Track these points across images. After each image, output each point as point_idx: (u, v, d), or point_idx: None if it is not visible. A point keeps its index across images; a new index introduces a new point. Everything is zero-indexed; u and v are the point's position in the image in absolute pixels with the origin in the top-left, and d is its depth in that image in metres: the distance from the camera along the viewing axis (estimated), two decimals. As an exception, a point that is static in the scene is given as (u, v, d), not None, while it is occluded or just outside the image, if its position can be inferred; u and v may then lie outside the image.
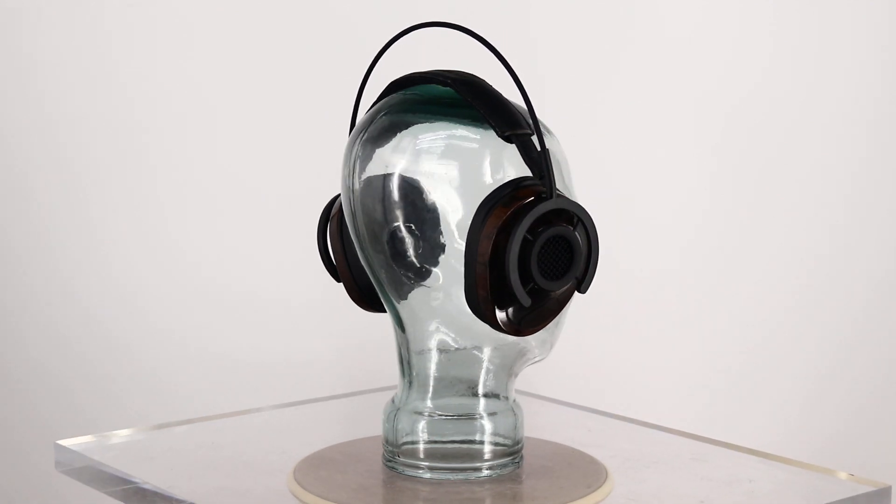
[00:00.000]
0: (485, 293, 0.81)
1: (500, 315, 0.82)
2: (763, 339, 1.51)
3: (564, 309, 0.91)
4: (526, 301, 0.81)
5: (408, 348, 0.92)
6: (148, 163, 1.45)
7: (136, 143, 1.44)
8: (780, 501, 0.93)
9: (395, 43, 0.92)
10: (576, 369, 1.31)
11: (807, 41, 1.49)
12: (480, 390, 0.92)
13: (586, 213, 0.83)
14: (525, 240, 0.81)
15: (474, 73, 0.89)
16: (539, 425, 1.10)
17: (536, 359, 0.93)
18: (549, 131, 0.91)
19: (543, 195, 0.82)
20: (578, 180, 0.95)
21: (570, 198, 0.85)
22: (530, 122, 0.85)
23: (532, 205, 0.81)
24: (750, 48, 1.49)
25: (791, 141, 1.50)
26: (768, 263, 1.51)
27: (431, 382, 0.92)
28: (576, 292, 0.86)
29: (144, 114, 1.44)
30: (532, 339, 0.91)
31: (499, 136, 0.84)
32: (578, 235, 0.83)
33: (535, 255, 0.81)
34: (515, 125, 0.84)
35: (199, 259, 1.47)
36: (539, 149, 0.83)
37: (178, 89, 1.44)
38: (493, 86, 0.87)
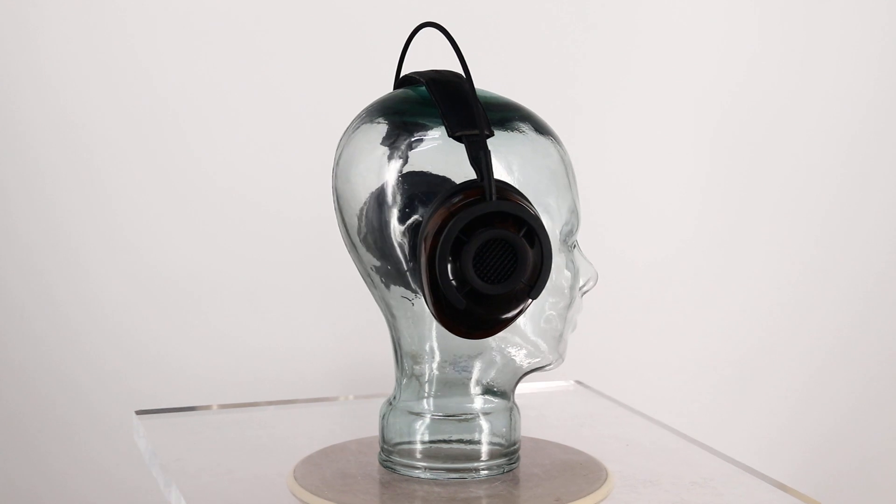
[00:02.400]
0: (429, 294, 0.81)
1: (445, 316, 0.82)
2: (760, 338, 1.52)
3: (566, 315, 0.91)
4: (460, 303, 0.80)
5: (405, 349, 0.92)
6: (157, 161, 1.46)
7: (147, 139, 1.45)
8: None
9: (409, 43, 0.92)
10: (569, 368, 1.31)
11: (795, 32, 1.48)
12: (478, 391, 0.92)
13: (534, 216, 0.81)
14: (459, 241, 0.80)
15: (456, 72, 0.88)
16: (543, 424, 1.10)
17: (541, 364, 0.92)
18: (547, 134, 0.90)
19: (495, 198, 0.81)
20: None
21: (523, 201, 0.84)
22: (525, 124, 0.85)
23: (469, 206, 0.80)
24: (738, 43, 1.49)
25: (781, 147, 1.50)
26: (761, 267, 1.51)
27: (428, 383, 0.92)
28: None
29: (146, 108, 1.45)
30: (540, 343, 0.91)
31: (449, 136, 0.84)
32: (525, 240, 0.81)
33: (470, 257, 0.80)
34: (467, 125, 0.83)
35: (201, 256, 1.47)
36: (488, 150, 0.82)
37: (179, 89, 1.45)
38: (471, 85, 0.86)
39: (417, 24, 0.90)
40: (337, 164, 0.91)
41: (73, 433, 1.46)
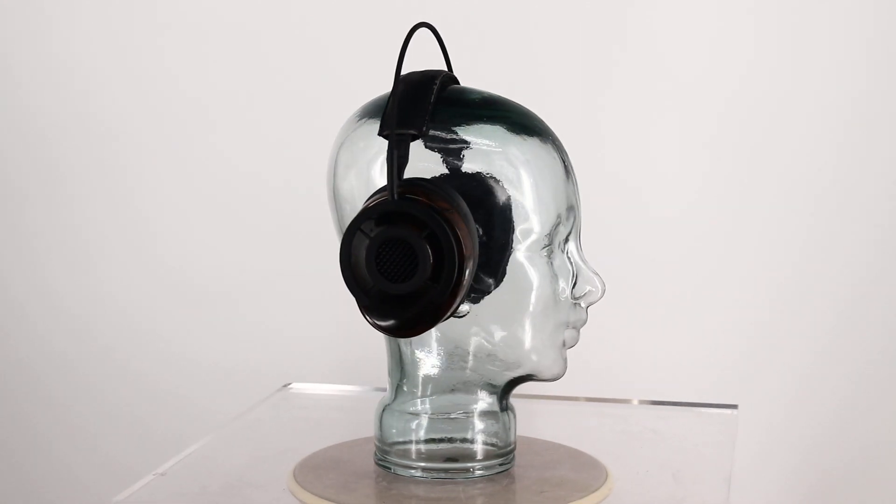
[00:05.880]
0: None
1: (363, 313, 0.83)
2: (758, 336, 1.51)
3: (560, 325, 0.90)
4: (363, 300, 0.82)
5: (399, 349, 0.93)
6: (171, 157, 1.47)
7: (162, 134, 1.46)
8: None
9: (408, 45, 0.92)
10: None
11: (791, 29, 1.48)
12: (473, 391, 0.92)
13: (437, 219, 0.81)
14: (361, 239, 0.81)
15: (432, 72, 0.89)
16: (540, 423, 1.10)
17: (529, 372, 0.92)
18: (525, 133, 0.89)
19: (397, 197, 0.82)
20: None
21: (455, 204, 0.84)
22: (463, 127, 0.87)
23: (375, 205, 0.82)
24: (734, 42, 1.49)
25: (782, 133, 1.50)
26: (759, 265, 1.51)
27: (422, 382, 0.92)
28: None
29: (132, 115, 1.46)
30: (532, 351, 0.91)
31: (378, 135, 0.86)
32: (429, 240, 0.81)
33: (372, 255, 0.81)
34: (387, 126, 0.84)
35: (195, 265, 1.48)
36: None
37: (170, 91, 1.46)
38: (433, 88, 0.87)
39: (421, 24, 0.90)
40: (333, 162, 0.92)
41: (81, 428, 1.48)
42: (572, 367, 0.95)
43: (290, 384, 1.24)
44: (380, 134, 0.86)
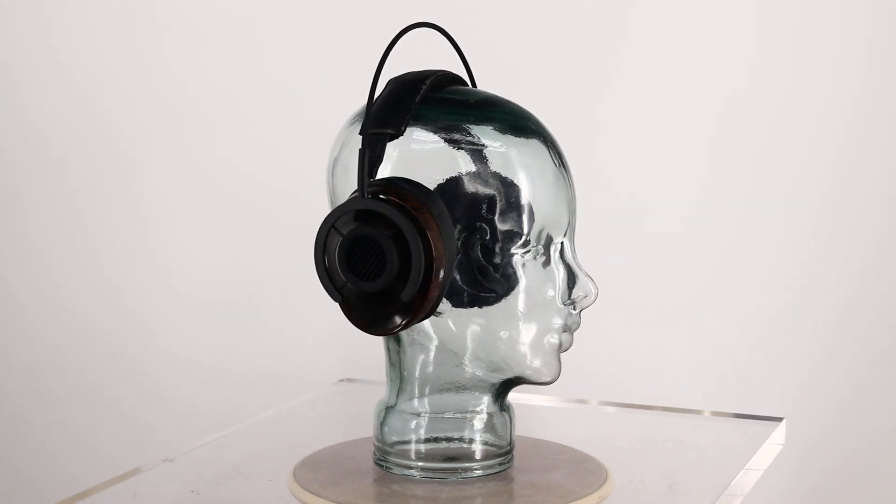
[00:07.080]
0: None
1: (343, 310, 0.85)
2: (760, 336, 1.51)
3: (553, 328, 0.90)
4: (335, 297, 0.84)
5: (398, 349, 0.93)
6: (142, 168, 1.47)
7: (167, 139, 1.47)
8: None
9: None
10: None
11: (791, 29, 1.48)
12: (471, 391, 0.92)
13: (404, 219, 0.82)
14: (333, 236, 0.83)
15: (425, 72, 0.89)
16: (540, 423, 1.10)
17: (522, 373, 0.91)
18: (513, 133, 0.89)
19: (367, 196, 0.83)
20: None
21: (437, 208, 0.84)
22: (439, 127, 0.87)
23: (343, 203, 0.83)
24: (734, 42, 1.49)
25: (783, 134, 1.50)
26: (761, 265, 1.51)
27: (421, 383, 0.92)
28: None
29: (137, 120, 1.46)
30: (527, 355, 0.90)
31: (359, 133, 0.86)
32: (395, 240, 0.82)
33: (343, 252, 0.82)
34: (370, 125, 0.85)
35: (195, 266, 1.48)
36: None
37: (169, 95, 1.46)
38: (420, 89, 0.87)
39: (419, 23, 0.90)
40: (330, 163, 0.92)
41: (80, 428, 1.48)
42: (582, 371, 0.94)
43: (348, 378, 1.25)
44: (359, 133, 0.86)
